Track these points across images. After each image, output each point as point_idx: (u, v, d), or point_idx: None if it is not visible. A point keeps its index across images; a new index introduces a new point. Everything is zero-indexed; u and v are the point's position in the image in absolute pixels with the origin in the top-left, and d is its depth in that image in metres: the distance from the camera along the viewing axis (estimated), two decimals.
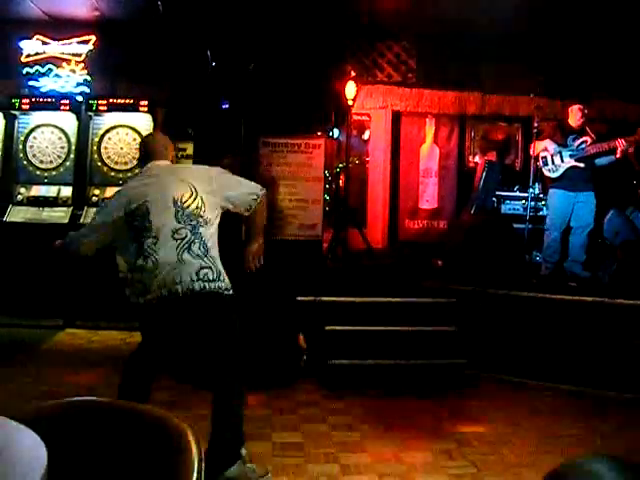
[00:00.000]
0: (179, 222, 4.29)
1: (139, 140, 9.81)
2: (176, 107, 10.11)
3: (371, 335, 7.17)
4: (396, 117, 11.35)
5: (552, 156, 8.81)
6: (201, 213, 4.37)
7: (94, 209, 9.45)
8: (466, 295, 7.84)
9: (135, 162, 9.75)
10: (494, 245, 8.70)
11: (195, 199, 4.39)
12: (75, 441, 2.15)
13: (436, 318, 7.51)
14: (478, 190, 10.43)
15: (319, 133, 9.74)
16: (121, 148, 9.84)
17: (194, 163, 9.82)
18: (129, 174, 9.73)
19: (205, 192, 4.45)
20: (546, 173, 8.89)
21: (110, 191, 9.62)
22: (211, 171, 4.70)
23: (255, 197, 4.62)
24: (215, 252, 4.40)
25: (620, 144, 8.51)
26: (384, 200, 11.16)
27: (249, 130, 9.23)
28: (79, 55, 10.09)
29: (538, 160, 8.95)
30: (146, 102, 9.85)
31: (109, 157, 9.82)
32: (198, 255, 4.23)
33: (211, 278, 4.23)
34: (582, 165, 8.69)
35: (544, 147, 8.86)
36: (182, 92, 9.96)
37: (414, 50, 11.28)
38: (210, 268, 4.25)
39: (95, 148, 9.82)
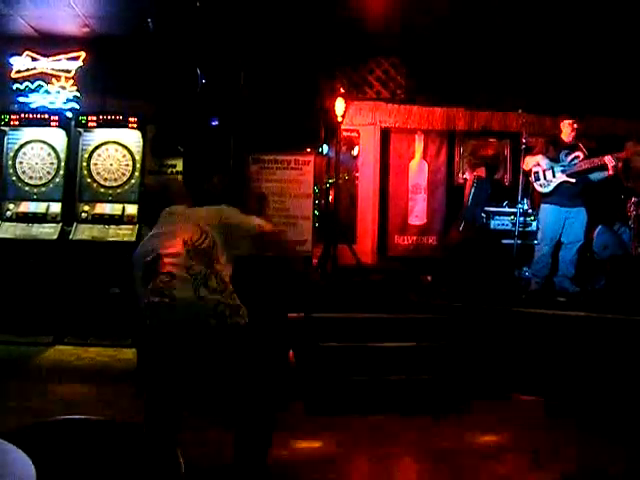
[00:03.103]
0: (191, 259, 4.24)
1: (128, 156, 9.82)
2: (166, 124, 10.11)
3: (362, 351, 7.15)
4: (385, 133, 11.38)
5: (544, 171, 8.86)
6: (213, 252, 4.33)
7: (83, 225, 9.45)
8: (456, 311, 7.85)
9: (125, 178, 9.76)
10: (483, 261, 8.72)
11: (206, 239, 4.35)
12: (62, 458, 2.14)
13: (426, 334, 7.51)
14: (467, 206, 10.46)
15: (308, 149, 9.74)
16: (110, 164, 9.82)
17: (184, 179, 9.83)
18: (119, 190, 9.73)
19: (217, 232, 4.41)
20: (538, 188, 8.94)
21: (100, 207, 9.63)
22: (223, 211, 4.65)
23: (249, 238, 4.58)
24: (231, 288, 4.32)
25: (610, 161, 8.57)
26: (373, 216, 11.17)
27: (239, 147, 9.24)
28: (69, 71, 10.10)
29: (530, 175, 8.99)
30: (136, 119, 9.86)
31: (99, 173, 9.80)
32: (215, 290, 4.19)
33: (227, 314, 4.17)
34: (574, 180, 8.75)
35: (536, 162, 8.91)
36: (172, 109, 9.96)
37: (403, 67, 11.32)
38: (228, 305, 4.20)
39: (85, 164, 9.80)
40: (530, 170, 9.01)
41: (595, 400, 6.78)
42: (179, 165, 10.17)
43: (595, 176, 8.86)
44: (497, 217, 10.16)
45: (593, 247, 9.74)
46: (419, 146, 11.35)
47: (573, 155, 8.86)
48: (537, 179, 8.92)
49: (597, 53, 10.44)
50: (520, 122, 9.70)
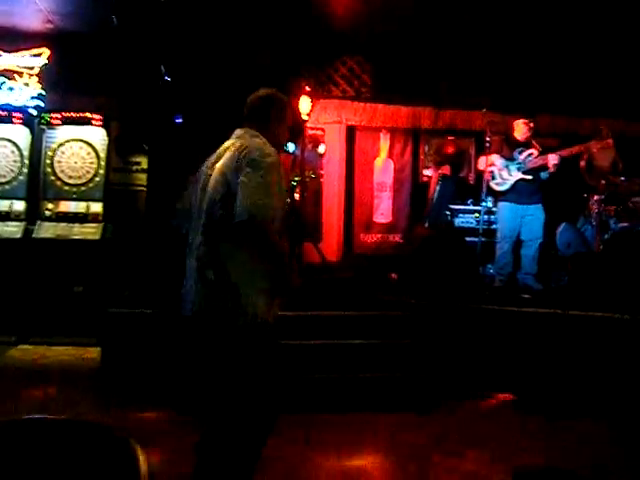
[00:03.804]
0: (202, 234, 3.73)
1: (93, 154, 9.78)
2: (131, 121, 10.08)
3: (328, 349, 7.16)
4: (350, 131, 11.39)
5: (500, 170, 8.94)
6: (227, 223, 3.62)
7: (47, 224, 9.40)
8: (421, 309, 7.88)
9: (89, 176, 9.72)
10: (448, 258, 8.77)
11: (227, 201, 3.64)
12: (23, 459, 2.14)
13: (391, 331, 7.54)
14: (432, 204, 10.52)
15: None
16: (75, 162, 9.78)
17: (149, 178, 9.80)
18: (83, 188, 9.69)
19: (236, 186, 3.63)
20: (494, 187, 9.01)
21: (64, 205, 9.58)
22: (245, 149, 3.73)
23: (238, 209, 3.55)
24: (238, 276, 3.64)
25: (552, 159, 8.67)
26: (339, 214, 11.18)
27: (203, 145, 9.22)
28: (32, 68, 10.03)
29: (486, 174, 9.06)
30: (100, 116, 9.83)
31: (63, 171, 9.75)
32: (212, 282, 3.66)
33: (223, 310, 3.63)
34: (529, 178, 8.85)
35: (492, 162, 8.99)
36: (137, 106, 9.93)
37: (368, 65, 11.35)
38: (223, 300, 3.64)
39: (48, 162, 9.76)
40: (485, 169, 9.08)
41: (562, 395, 6.85)
42: (144, 163, 10.16)
43: (544, 174, 8.96)
44: (461, 215, 10.21)
45: (557, 244, 9.83)
46: (384, 144, 11.37)
47: (527, 152, 8.96)
48: (493, 178, 9.00)
49: (562, 52, 10.54)
50: (484, 121, 9.75)
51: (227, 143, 3.87)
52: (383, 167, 11.37)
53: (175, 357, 6.46)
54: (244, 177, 3.57)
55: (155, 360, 6.81)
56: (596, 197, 9.55)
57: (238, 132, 3.92)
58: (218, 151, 3.89)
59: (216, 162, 3.79)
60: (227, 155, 3.74)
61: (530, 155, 8.94)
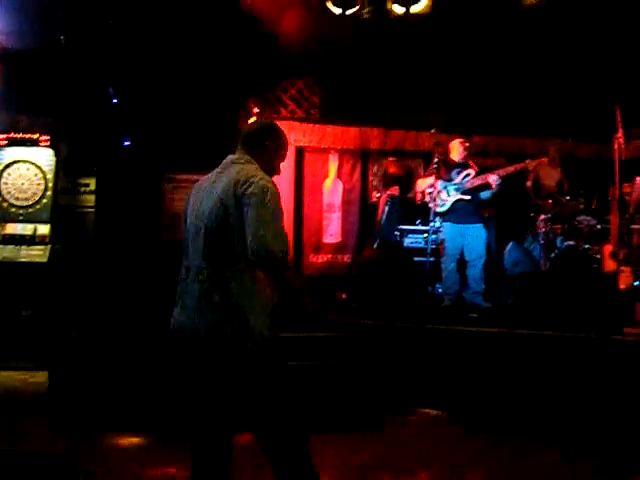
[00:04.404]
0: (204, 259, 3.65)
1: (40, 175, 9.70)
2: (79, 142, 10.01)
3: None
4: (299, 152, 11.40)
5: (439, 192, 9.02)
6: (230, 247, 3.60)
7: None
8: (369, 328, 7.92)
9: (36, 198, 9.63)
10: (397, 278, 8.82)
11: (227, 225, 3.61)
12: None
13: (340, 352, 7.55)
14: (381, 224, 10.57)
15: None
16: (22, 184, 9.70)
17: (97, 199, 9.74)
18: (30, 210, 9.61)
19: (237, 214, 3.58)
20: (434, 208, 9.07)
21: (11, 227, 9.48)
22: (243, 175, 3.67)
23: (252, 246, 3.48)
24: (245, 299, 3.60)
25: (492, 179, 8.82)
26: (288, 235, 11.14)
27: (152, 167, 9.20)
28: None
29: (425, 197, 9.15)
30: (48, 137, 9.75)
31: (9, 193, 9.66)
32: (217, 306, 3.58)
33: (229, 333, 3.55)
34: (468, 198, 8.96)
35: (429, 184, 9.08)
36: (85, 128, 9.88)
37: (317, 86, 11.43)
38: (228, 323, 3.56)
39: None
40: (423, 191, 9.17)
41: (506, 414, 6.92)
42: (92, 184, 10.08)
43: (484, 194, 9.09)
44: (410, 235, 10.26)
45: (504, 263, 9.96)
46: (333, 165, 11.40)
47: (464, 173, 9.09)
48: (432, 200, 9.08)
49: (510, 74, 10.70)
50: (433, 141, 9.84)
51: (221, 168, 3.84)
52: (332, 188, 11.41)
53: (124, 380, 6.43)
54: (253, 209, 3.53)
55: (103, 384, 6.75)
56: (543, 216, 9.72)
57: (232, 157, 3.87)
58: (211, 175, 3.85)
59: (211, 186, 3.74)
60: (223, 180, 3.69)
61: (467, 175, 9.07)
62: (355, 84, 11.02)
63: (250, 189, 3.57)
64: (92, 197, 10.12)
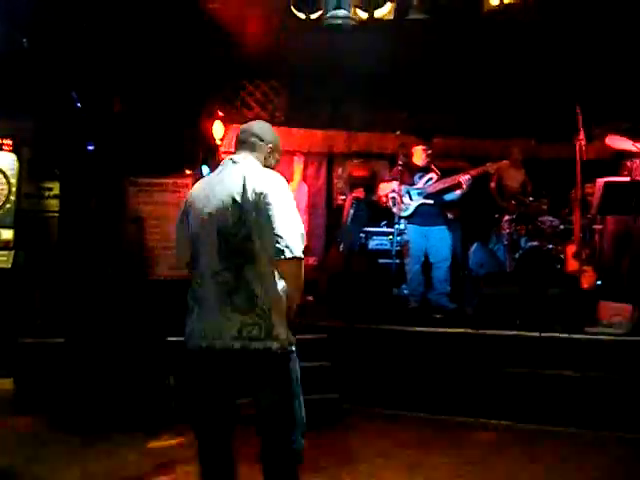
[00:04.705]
0: (221, 261, 3.60)
1: (3, 180, 9.61)
2: (43, 147, 9.92)
3: None
4: None
5: (401, 196, 9.07)
6: (249, 246, 3.57)
7: None
8: (336, 331, 7.93)
9: (0, 203, 9.54)
10: (363, 280, 8.85)
11: (244, 224, 3.57)
12: None
13: (307, 354, 7.53)
14: (346, 227, 10.59)
15: (187, 172, 9.70)
16: None
17: (61, 204, 9.66)
18: None
19: (254, 212, 3.57)
20: (397, 212, 9.11)
21: None
22: (258, 185, 3.62)
23: (280, 246, 3.49)
24: (268, 300, 3.58)
25: (463, 180, 8.89)
26: None
27: (116, 170, 9.14)
28: None
29: (387, 201, 9.18)
30: (11, 141, 9.66)
31: None
32: (242, 308, 3.55)
33: (256, 335, 3.53)
34: (431, 201, 9.04)
35: (392, 188, 9.12)
36: (49, 132, 9.79)
37: (282, 89, 11.44)
38: (257, 325, 3.54)
39: None
40: (386, 196, 9.20)
41: (473, 412, 6.98)
42: (56, 188, 9.99)
43: (448, 196, 9.18)
44: (375, 237, 10.28)
45: (469, 264, 10.03)
46: (298, 168, 11.37)
47: (427, 177, 9.18)
48: (394, 204, 9.12)
49: (474, 76, 10.77)
50: (397, 144, 9.88)
51: (223, 169, 3.81)
52: (297, 191, 11.38)
53: (89, 384, 6.40)
54: (275, 209, 3.52)
55: (69, 389, 6.71)
56: (507, 217, 9.82)
57: (235, 157, 3.84)
58: (212, 178, 3.85)
59: (218, 188, 3.68)
60: (233, 181, 3.65)
61: (430, 180, 9.14)
62: (320, 87, 11.05)
63: (268, 188, 3.57)
64: (56, 202, 10.02)
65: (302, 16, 9.38)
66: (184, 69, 9.80)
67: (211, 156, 10.03)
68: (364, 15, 9.22)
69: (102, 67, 9.30)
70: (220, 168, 3.84)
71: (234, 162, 3.79)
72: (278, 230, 3.48)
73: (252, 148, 3.88)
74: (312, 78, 10.94)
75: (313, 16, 9.35)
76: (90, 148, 9.46)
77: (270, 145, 3.94)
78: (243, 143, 3.91)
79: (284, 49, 10.03)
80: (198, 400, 3.75)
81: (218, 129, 9.64)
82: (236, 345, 3.54)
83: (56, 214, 10.02)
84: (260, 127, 4.00)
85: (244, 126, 4.00)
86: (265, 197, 3.53)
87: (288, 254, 3.47)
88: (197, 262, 3.70)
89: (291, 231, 3.50)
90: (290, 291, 3.66)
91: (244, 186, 3.58)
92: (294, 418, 3.82)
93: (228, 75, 10.84)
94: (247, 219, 3.54)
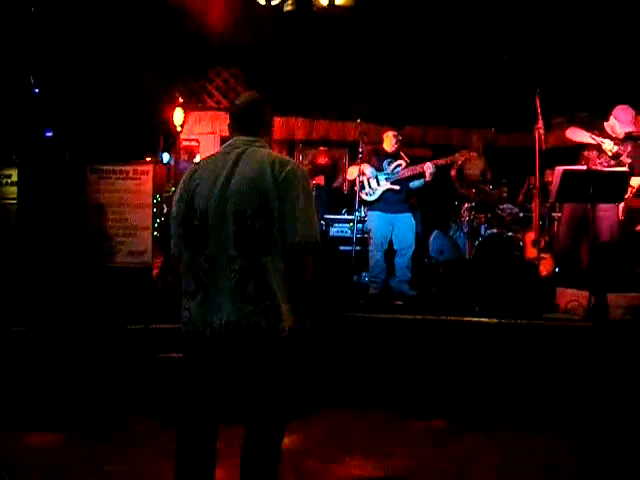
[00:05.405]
0: (237, 247, 3.48)
1: None
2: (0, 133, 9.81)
3: None
4: (225, 142, 11.35)
5: (369, 180, 9.13)
6: (267, 234, 3.48)
7: None
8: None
9: None
10: (322, 268, 8.85)
11: (264, 211, 3.47)
12: None
13: None
14: None
15: (148, 159, 9.67)
16: None
17: (19, 191, 9.56)
18: None
19: (277, 200, 3.48)
20: (363, 197, 9.17)
21: None
22: (279, 169, 3.52)
23: (298, 237, 3.47)
24: (280, 290, 3.51)
25: (427, 168, 8.94)
26: None
27: (75, 157, 9.08)
28: None
29: (355, 185, 9.21)
30: None
31: None
32: (252, 296, 3.47)
33: (263, 326, 3.46)
34: (397, 188, 9.08)
35: (361, 171, 9.14)
36: (6, 118, 9.68)
37: (242, 76, 11.43)
38: (265, 314, 3.47)
39: None
40: (355, 179, 9.22)
41: (438, 400, 7.02)
42: (14, 175, 9.88)
43: (414, 184, 9.22)
44: (336, 224, 10.29)
45: (429, 251, 10.09)
46: None
47: (395, 164, 9.21)
48: (362, 188, 9.16)
49: (432, 65, 10.84)
50: (358, 131, 9.90)
51: (230, 149, 3.65)
52: None
53: (51, 375, 6.36)
54: (296, 195, 3.46)
55: (31, 379, 6.65)
56: (467, 205, 9.90)
57: (244, 139, 3.68)
58: (217, 157, 3.70)
59: (230, 169, 3.54)
60: (250, 163, 3.53)
61: (399, 166, 9.18)
62: (280, 74, 11.04)
63: (290, 174, 3.49)
64: (14, 189, 9.91)
65: (262, 2, 9.37)
66: (145, 56, 9.75)
67: (171, 143, 10.01)
68: (324, 2, 9.23)
69: (60, 52, 9.22)
70: (227, 149, 3.68)
71: (246, 144, 3.66)
72: (299, 218, 3.45)
73: (255, 128, 3.74)
74: (272, 65, 10.93)
75: (274, 2, 9.35)
76: (49, 134, 9.37)
77: (269, 122, 3.85)
78: (241, 122, 3.77)
79: (245, 36, 9.99)
80: (192, 388, 3.70)
81: (178, 116, 9.58)
82: (241, 333, 3.47)
83: (14, 201, 9.92)
84: (253, 103, 3.84)
85: (249, 102, 3.84)
86: (287, 183, 3.46)
87: (307, 242, 3.47)
88: (203, 246, 3.55)
89: (310, 222, 3.48)
90: (299, 282, 3.62)
91: (267, 172, 3.47)
92: (287, 410, 3.72)
93: (189, 62, 10.79)
94: (267, 206, 3.44)
